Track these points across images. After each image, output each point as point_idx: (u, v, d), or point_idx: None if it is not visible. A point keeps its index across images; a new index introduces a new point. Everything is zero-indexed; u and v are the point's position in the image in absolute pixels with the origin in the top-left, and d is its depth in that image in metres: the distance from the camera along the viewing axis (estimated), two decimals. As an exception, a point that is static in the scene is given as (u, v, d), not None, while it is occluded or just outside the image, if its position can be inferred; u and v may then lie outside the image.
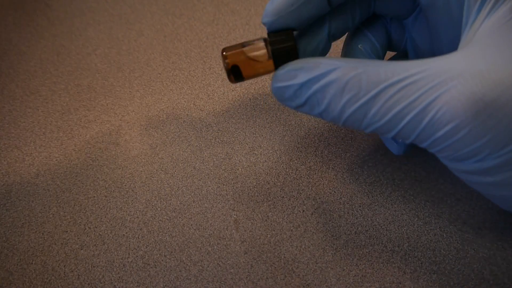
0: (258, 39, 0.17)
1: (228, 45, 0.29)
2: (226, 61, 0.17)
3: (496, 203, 0.16)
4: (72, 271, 0.20)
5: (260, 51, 0.17)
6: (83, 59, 0.29)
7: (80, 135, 0.25)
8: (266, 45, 0.17)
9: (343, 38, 0.21)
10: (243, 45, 0.17)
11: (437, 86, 0.13)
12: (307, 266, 0.20)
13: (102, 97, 0.27)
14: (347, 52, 0.20)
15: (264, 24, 0.17)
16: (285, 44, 0.16)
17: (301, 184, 0.22)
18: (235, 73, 0.17)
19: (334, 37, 0.19)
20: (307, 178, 0.23)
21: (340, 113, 0.15)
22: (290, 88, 0.15)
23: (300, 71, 0.15)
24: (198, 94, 0.27)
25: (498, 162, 0.13)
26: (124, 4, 0.33)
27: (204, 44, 0.30)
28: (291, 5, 0.16)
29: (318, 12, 0.17)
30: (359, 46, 0.20)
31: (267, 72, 0.17)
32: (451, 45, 0.17)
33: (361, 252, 0.20)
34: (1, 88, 0.28)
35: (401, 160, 0.23)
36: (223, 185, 0.23)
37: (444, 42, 0.17)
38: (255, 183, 0.23)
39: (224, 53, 0.17)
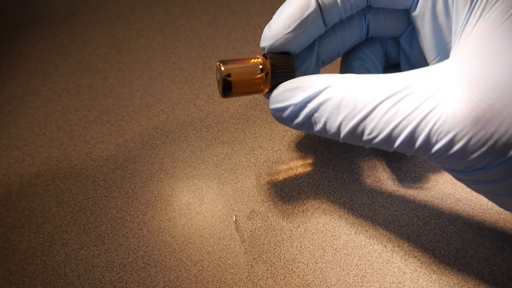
0: (255, 58, 0.17)
1: (228, 45, 0.29)
2: (224, 75, 0.16)
3: (500, 207, 0.16)
4: (72, 271, 0.20)
5: (257, 72, 0.16)
6: (83, 59, 0.29)
7: (80, 135, 0.25)
8: (263, 68, 0.16)
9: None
10: (240, 61, 0.17)
11: (434, 97, 0.13)
12: (307, 266, 0.20)
13: (102, 97, 0.27)
14: (344, 70, 0.20)
15: (263, 48, 0.17)
16: (286, 75, 0.16)
17: (301, 184, 0.22)
18: (228, 89, 0.17)
19: (324, 63, 0.19)
20: (307, 178, 0.23)
21: (338, 130, 0.15)
22: (288, 109, 0.15)
23: (296, 91, 0.15)
24: (198, 94, 0.27)
25: (500, 170, 0.13)
26: (124, 4, 0.33)
27: (204, 44, 0.30)
28: (288, 27, 0.16)
29: (315, 33, 0.17)
30: (354, 63, 0.20)
31: (257, 92, 0.17)
32: (443, 56, 0.17)
33: (361, 252, 0.20)
34: (1, 88, 0.28)
35: (401, 160, 0.23)
36: (223, 185, 0.23)
37: (436, 53, 0.17)
38: (255, 183, 0.23)
39: (222, 68, 0.16)
